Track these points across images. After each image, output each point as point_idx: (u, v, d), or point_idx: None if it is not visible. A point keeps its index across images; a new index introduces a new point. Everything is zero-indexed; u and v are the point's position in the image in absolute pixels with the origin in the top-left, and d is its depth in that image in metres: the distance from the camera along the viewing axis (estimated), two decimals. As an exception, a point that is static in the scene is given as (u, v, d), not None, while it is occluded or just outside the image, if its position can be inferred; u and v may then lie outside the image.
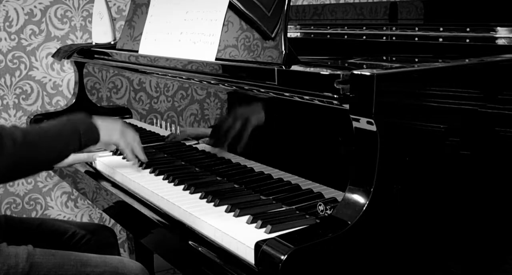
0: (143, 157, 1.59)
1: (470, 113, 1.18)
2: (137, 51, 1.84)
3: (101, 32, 2.25)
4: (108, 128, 1.51)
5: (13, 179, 1.97)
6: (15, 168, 1.33)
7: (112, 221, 2.69)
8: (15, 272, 1.37)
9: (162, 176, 1.51)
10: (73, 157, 1.75)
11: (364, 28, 1.80)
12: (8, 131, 1.32)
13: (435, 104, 1.11)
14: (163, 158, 1.69)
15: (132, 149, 1.57)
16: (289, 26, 1.89)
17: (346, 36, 1.84)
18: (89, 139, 1.46)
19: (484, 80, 1.21)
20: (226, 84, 1.45)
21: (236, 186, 1.41)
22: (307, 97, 1.18)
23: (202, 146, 1.64)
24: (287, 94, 1.23)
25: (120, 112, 2.05)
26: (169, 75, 1.67)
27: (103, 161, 1.72)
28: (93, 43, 2.28)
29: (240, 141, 1.50)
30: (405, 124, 1.08)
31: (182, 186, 1.43)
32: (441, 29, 1.55)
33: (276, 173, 1.38)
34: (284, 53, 1.30)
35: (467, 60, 1.24)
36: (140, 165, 1.60)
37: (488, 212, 1.24)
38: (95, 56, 2.08)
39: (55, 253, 1.48)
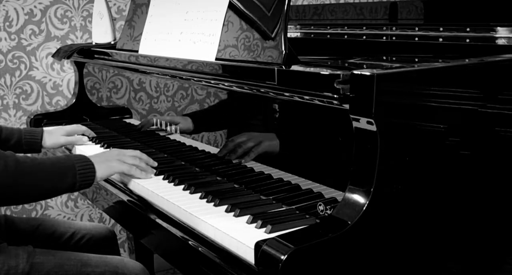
0: (155, 165, 1.55)
1: (470, 113, 1.18)
2: (137, 51, 1.84)
3: (101, 32, 2.25)
4: (103, 161, 1.44)
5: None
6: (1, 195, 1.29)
7: (112, 221, 2.69)
8: (15, 273, 1.37)
9: (162, 176, 1.51)
10: (64, 139, 1.78)
11: (364, 28, 1.80)
12: (1, 155, 1.29)
13: (435, 104, 1.11)
14: (163, 158, 1.69)
15: (140, 167, 1.51)
16: (289, 26, 1.89)
17: (346, 36, 1.84)
18: (85, 175, 1.38)
19: (484, 80, 1.21)
20: (226, 84, 1.44)
21: (236, 186, 1.41)
22: (307, 97, 1.18)
23: (202, 145, 1.64)
24: (287, 94, 1.23)
25: (120, 112, 2.05)
26: (169, 75, 1.67)
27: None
28: (93, 43, 2.28)
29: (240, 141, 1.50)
30: (405, 124, 1.08)
31: (182, 186, 1.43)
32: (441, 29, 1.55)
33: (276, 173, 1.38)
34: (284, 53, 1.30)
35: (467, 60, 1.24)
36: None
37: (488, 212, 1.24)
38: (95, 56, 2.08)
39: (55, 253, 1.48)
